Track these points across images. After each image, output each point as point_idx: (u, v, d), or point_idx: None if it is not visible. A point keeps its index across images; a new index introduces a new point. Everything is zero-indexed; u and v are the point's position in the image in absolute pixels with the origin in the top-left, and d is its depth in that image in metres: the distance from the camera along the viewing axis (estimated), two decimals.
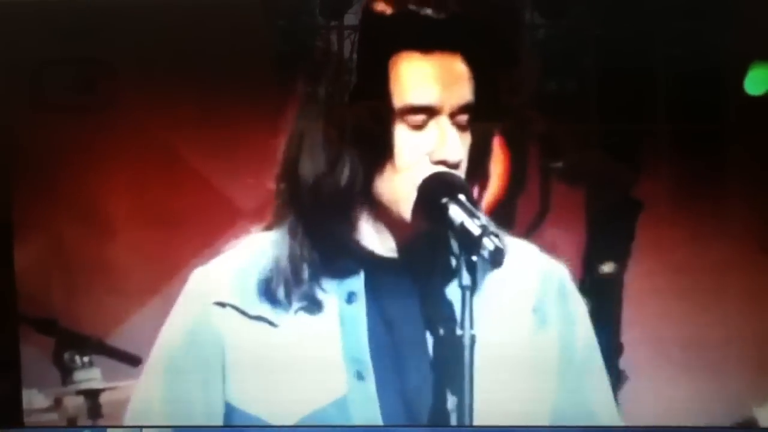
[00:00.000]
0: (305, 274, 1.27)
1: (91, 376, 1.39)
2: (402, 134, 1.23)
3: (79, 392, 1.40)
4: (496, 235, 1.15)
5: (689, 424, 1.33)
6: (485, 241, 1.14)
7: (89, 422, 1.40)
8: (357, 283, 1.26)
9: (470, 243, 1.15)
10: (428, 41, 1.21)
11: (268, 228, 1.31)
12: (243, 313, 1.28)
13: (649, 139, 1.33)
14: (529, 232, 1.31)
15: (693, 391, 1.33)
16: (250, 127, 1.34)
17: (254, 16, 1.35)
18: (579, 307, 1.30)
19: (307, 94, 1.29)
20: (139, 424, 1.35)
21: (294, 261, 1.27)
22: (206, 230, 1.37)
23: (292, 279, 1.27)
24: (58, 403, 1.40)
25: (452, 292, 1.24)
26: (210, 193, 1.37)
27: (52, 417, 1.40)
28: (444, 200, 1.18)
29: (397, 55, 1.22)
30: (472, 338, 1.15)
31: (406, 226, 1.24)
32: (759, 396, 1.34)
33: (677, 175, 1.33)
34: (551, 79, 1.33)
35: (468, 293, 1.15)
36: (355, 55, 1.27)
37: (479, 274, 1.19)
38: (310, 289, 1.27)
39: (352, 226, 1.26)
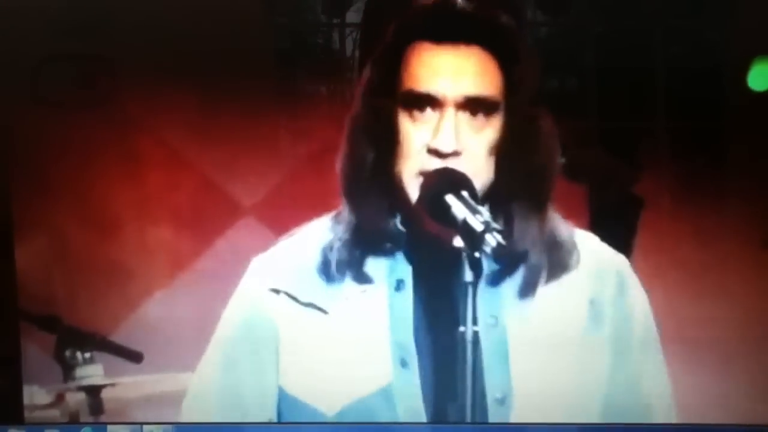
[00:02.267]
0: (356, 261, 1.28)
1: (92, 372, 1.39)
2: (406, 124, 1.23)
3: (81, 388, 1.40)
4: (499, 231, 1.15)
5: (691, 420, 1.33)
6: (488, 237, 1.14)
7: (91, 419, 1.40)
8: (406, 270, 1.27)
9: (473, 239, 1.15)
10: (442, 32, 1.21)
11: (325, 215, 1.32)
12: (295, 299, 1.30)
13: (651, 136, 1.34)
14: None
15: (695, 387, 1.33)
16: (251, 124, 1.35)
17: (255, 12, 1.35)
18: (638, 299, 1.30)
19: (341, 85, 1.32)
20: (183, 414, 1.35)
21: (346, 250, 1.28)
22: (207, 226, 1.37)
23: (345, 266, 1.28)
24: (59, 399, 1.40)
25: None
26: (211, 190, 1.37)
27: (54, 413, 1.40)
28: (446, 196, 1.18)
29: (411, 45, 1.22)
30: (475, 335, 1.15)
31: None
32: (762, 392, 1.34)
33: (680, 171, 1.34)
34: (554, 76, 1.34)
35: (471, 289, 1.15)
36: (366, 45, 1.28)
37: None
38: (360, 277, 1.28)
39: (396, 215, 1.27)
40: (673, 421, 1.32)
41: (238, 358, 1.31)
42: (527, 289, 1.27)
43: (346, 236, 1.28)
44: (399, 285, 1.28)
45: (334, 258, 1.28)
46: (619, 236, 1.32)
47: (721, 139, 1.34)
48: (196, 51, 1.33)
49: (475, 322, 1.15)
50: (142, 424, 1.36)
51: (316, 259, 1.30)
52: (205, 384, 1.33)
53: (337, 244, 1.28)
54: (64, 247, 1.39)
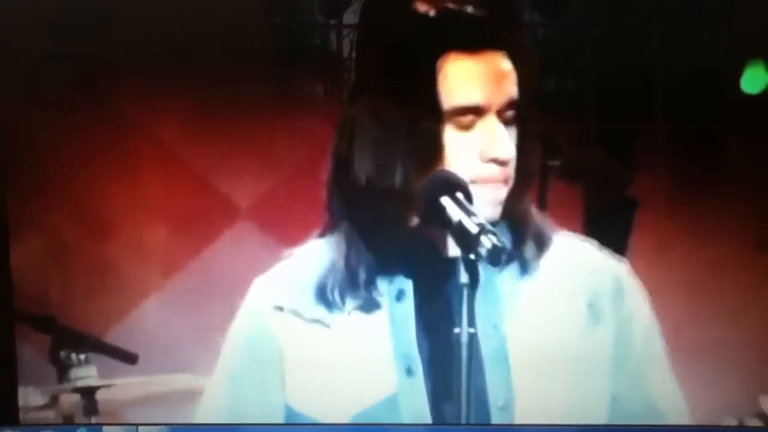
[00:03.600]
0: (359, 276, 1.28)
1: (87, 373, 1.39)
2: (452, 135, 1.23)
3: (76, 390, 1.39)
4: (494, 233, 1.15)
5: (686, 422, 1.33)
6: (483, 239, 1.14)
7: (85, 420, 1.40)
8: (406, 281, 1.28)
9: (468, 241, 1.15)
10: (473, 41, 1.22)
11: (322, 234, 1.31)
12: (300, 316, 1.31)
13: (647, 137, 1.34)
14: None
15: (690, 389, 1.32)
16: (248, 126, 1.34)
17: (253, 14, 1.35)
18: (637, 304, 1.30)
19: (356, 98, 1.30)
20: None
21: (347, 264, 1.28)
22: (203, 228, 1.37)
23: (346, 281, 1.29)
24: (54, 400, 1.40)
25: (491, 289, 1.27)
26: (207, 191, 1.37)
27: (49, 415, 1.39)
28: (441, 198, 1.18)
29: (443, 57, 1.22)
30: (471, 336, 1.15)
31: None
32: (757, 393, 1.34)
33: (674, 173, 1.34)
34: (550, 78, 1.34)
35: (466, 291, 1.15)
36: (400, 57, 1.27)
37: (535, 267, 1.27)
38: (362, 290, 1.29)
39: (402, 226, 1.26)
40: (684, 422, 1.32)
41: (244, 378, 1.32)
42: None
43: (347, 253, 1.28)
44: (399, 295, 1.28)
45: (337, 276, 1.29)
46: (614, 237, 1.32)
47: (718, 141, 1.34)
48: (194, 52, 1.33)
49: (471, 324, 1.15)
50: (137, 425, 1.36)
51: (318, 278, 1.30)
52: (212, 406, 1.34)
53: (339, 260, 1.29)
54: (60, 248, 1.39)
